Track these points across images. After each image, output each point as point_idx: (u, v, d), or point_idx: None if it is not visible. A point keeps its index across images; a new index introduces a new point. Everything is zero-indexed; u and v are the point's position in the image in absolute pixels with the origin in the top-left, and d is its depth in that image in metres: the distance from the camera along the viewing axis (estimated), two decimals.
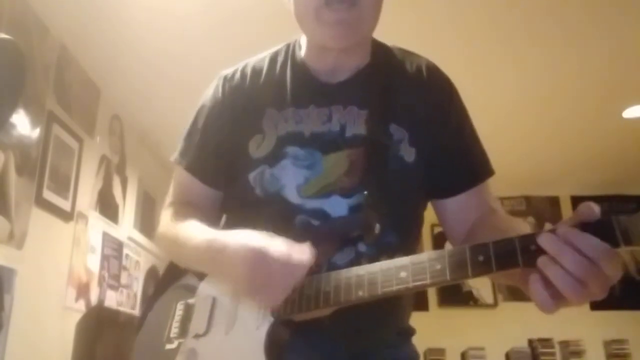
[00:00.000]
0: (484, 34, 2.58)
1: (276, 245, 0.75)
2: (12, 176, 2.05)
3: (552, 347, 4.17)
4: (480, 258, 0.64)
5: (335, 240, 0.82)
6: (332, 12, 0.85)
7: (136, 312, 3.34)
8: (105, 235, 2.91)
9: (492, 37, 2.59)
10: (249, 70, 1.02)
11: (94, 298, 2.72)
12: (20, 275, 2.05)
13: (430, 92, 0.96)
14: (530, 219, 4.76)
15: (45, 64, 2.34)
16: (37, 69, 2.27)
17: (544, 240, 0.61)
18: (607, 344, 4.25)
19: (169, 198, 1.05)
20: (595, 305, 4.45)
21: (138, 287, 3.42)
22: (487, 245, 0.64)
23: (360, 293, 0.71)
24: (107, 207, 2.97)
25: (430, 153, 0.92)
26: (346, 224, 0.86)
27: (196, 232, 0.87)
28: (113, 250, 3.01)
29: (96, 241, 2.80)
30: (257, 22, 2.33)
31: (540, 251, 0.61)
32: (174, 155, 1.04)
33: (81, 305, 2.56)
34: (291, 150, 0.91)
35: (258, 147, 0.93)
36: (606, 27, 2.48)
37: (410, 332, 0.98)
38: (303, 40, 1.00)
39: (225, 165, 0.97)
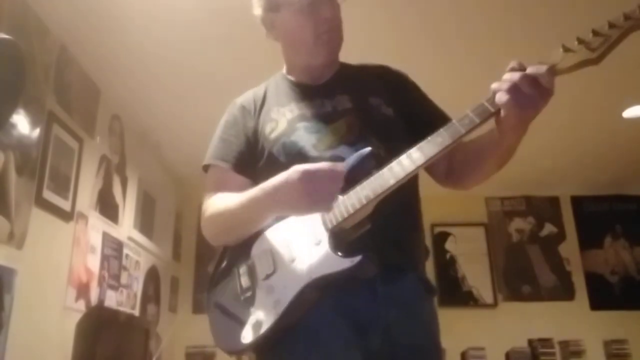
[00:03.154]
0: (482, 34, 2.58)
1: (314, 165, 1.00)
2: (12, 176, 2.05)
3: (552, 347, 4.17)
4: (466, 121, 0.95)
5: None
6: (327, 35, 1.20)
7: (136, 312, 3.34)
8: (105, 235, 2.91)
9: (490, 37, 2.59)
10: (251, 93, 1.30)
11: (94, 298, 2.72)
12: (20, 275, 2.05)
13: (388, 75, 1.30)
14: (530, 219, 4.77)
15: (45, 64, 2.34)
16: (37, 69, 2.27)
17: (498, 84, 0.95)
18: (607, 344, 4.25)
19: (207, 196, 1.22)
20: (595, 305, 4.47)
21: (138, 287, 3.42)
22: (466, 114, 0.95)
23: (392, 180, 0.97)
24: (107, 207, 2.97)
25: (404, 110, 1.20)
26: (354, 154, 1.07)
27: (244, 193, 1.09)
28: (113, 250, 3.01)
29: (96, 241, 2.80)
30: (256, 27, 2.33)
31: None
32: (205, 161, 1.25)
33: (81, 305, 2.56)
34: (301, 124, 1.17)
35: (273, 130, 1.18)
36: None
37: (434, 290, 1.18)
38: (284, 71, 1.33)
39: (249, 151, 1.21)
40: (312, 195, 0.97)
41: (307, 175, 0.97)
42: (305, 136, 1.14)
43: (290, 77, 1.30)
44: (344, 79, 1.27)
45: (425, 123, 1.06)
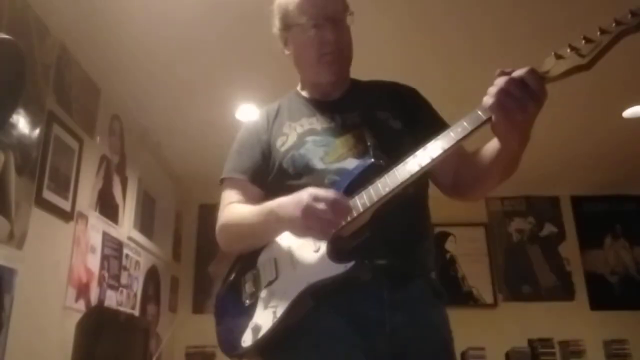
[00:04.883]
0: (487, 34, 2.58)
1: (319, 191, 1.01)
2: (12, 176, 2.05)
3: (552, 347, 4.17)
4: (459, 129, 0.98)
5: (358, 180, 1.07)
6: (330, 56, 1.25)
7: (136, 312, 3.34)
8: (105, 235, 2.91)
9: (491, 37, 2.59)
10: (265, 110, 1.36)
11: (94, 298, 2.72)
12: (20, 275, 2.05)
13: (399, 90, 1.34)
14: (530, 219, 4.77)
15: (45, 64, 2.34)
16: (37, 69, 2.27)
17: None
18: (607, 344, 4.25)
19: (222, 206, 1.27)
20: (595, 305, 4.47)
21: (138, 287, 3.43)
22: (460, 122, 0.98)
23: (387, 189, 1.00)
24: (107, 207, 2.97)
25: (413, 125, 1.23)
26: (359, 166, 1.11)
27: (259, 207, 1.15)
28: (113, 250, 3.01)
29: (96, 241, 2.80)
30: (257, 26, 2.33)
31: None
32: (223, 174, 1.30)
33: (81, 305, 2.56)
34: (310, 138, 1.22)
35: (284, 143, 1.24)
36: None
37: (444, 296, 1.18)
38: (298, 88, 1.39)
39: (264, 163, 1.26)
40: (310, 228, 1.01)
41: (309, 204, 1.00)
42: (314, 149, 1.19)
43: (303, 94, 1.36)
44: (354, 95, 1.32)
45: (431, 137, 1.07)
